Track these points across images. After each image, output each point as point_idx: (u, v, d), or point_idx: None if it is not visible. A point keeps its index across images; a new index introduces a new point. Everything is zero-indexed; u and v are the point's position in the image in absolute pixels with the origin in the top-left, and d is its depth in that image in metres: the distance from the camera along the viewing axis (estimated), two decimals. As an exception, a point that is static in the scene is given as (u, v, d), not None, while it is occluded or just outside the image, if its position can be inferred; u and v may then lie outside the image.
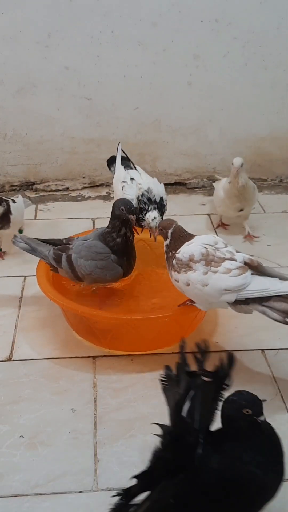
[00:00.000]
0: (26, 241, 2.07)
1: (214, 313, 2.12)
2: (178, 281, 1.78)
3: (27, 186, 3.06)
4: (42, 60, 2.83)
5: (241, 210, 2.59)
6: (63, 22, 2.77)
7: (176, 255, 1.77)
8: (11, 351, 1.94)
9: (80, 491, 1.50)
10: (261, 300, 1.65)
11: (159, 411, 1.71)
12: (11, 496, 1.49)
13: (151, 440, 1.61)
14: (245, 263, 1.71)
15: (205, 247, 1.74)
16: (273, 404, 1.75)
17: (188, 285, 1.74)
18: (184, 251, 1.76)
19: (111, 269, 1.92)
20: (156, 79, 2.91)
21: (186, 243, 1.78)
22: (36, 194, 3.03)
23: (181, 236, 1.80)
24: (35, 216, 2.84)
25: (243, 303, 1.69)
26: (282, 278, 1.68)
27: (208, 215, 2.84)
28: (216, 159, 3.08)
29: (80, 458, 1.58)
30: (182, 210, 2.86)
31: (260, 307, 1.64)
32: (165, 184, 3.06)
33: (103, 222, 2.64)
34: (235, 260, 1.71)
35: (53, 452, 1.60)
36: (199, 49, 2.87)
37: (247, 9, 2.81)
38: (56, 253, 1.99)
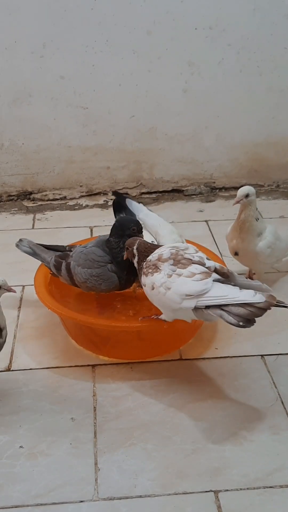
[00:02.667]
0: (30, 247, 2.11)
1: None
2: (145, 286, 1.76)
3: (24, 195, 3.07)
4: (38, 70, 2.84)
5: (236, 253, 2.22)
6: (58, 32, 2.78)
7: (146, 259, 1.77)
8: (10, 361, 1.94)
9: (81, 501, 1.49)
10: (221, 305, 1.61)
11: (160, 419, 1.72)
12: (12, 507, 1.49)
13: (152, 449, 1.63)
14: (215, 270, 1.69)
15: (175, 249, 1.73)
16: (273, 409, 1.75)
17: (153, 288, 1.71)
18: (154, 252, 1.76)
19: (106, 279, 1.92)
20: (151, 87, 2.92)
21: (156, 250, 1.78)
22: (33, 203, 3.04)
23: (147, 248, 1.79)
24: (33, 225, 2.84)
25: (203, 308, 1.65)
26: (244, 287, 1.64)
27: (206, 221, 2.84)
28: (213, 166, 3.09)
29: (81, 468, 1.58)
30: (180, 217, 2.86)
31: (219, 310, 1.59)
32: (162, 192, 3.11)
33: (101, 231, 2.66)
34: (203, 265, 1.69)
35: (53, 462, 1.60)
36: (193, 56, 2.87)
37: (241, 16, 2.82)
38: (57, 261, 2.00)
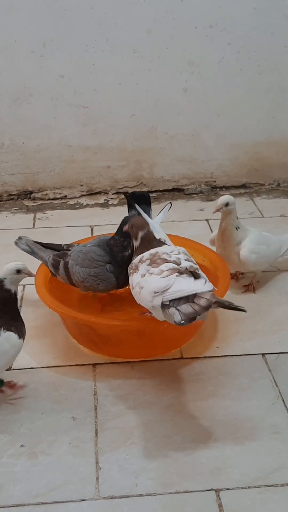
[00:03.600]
0: (29, 245, 2.10)
1: (214, 318, 2.12)
2: (129, 283, 1.80)
3: (25, 195, 3.07)
4: (38, 69, 2.84)
5: None
6: (58, 31, 2.78)
7: (133, 261, 1.79)
8: (11, 360, 1.93)
9: (82, 500, 1.49)
10: (178, 303, 1.60)
11: (160, 418, 1.72)
12: (12, 506, 1.48)
13: (153, 447, 1.62)
14: (188, 270, 1.67)
15: (156, 250, 1.73)
16: (274, 408, 1.74)
17: (133, 288, 1.75)
18: (139, 256, 1.76)
19: (104, 279, 1.91)
20: (151, 86, 2.92)
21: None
22: (34, 203, 3.04)
23: (150, 242, 1.78)
24: (34, 224, 2.84)
25: (167, 308, 1.63)
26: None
27: (207, 220, 2.84)
28: (213, 165, 3.09)
29: (81, 467, 1.57)
30: (180, 216, 2.86)
31: (174, 309, 1.59)
32: (163, 191, 3.11)
33: (102, 230, 2.66)
34: (178, 264, 1.68)
35: (54, 461, 1.59)
36: (194, 55, 2.87)
37: (241, 15, 2.82)
38: (55, 259, 1.99)
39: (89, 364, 1.92)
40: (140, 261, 1.74)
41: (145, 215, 2.02)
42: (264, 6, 2.82)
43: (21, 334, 1.70)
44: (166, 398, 1.79)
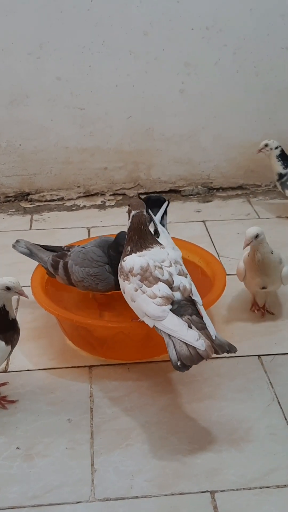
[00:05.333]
0: (28, 247, 2.10)
1: (211, 320, 2.11)
2: (120, 284, 1.80)
3: (21, 196, 3.07)
4: (34, 71, 2.84)
5: (264, 287, 2.09)
6: (54, 33, 2.78)
7: (122, 262, 1.78)
8: (7, 363, 1.93)
9: (77, 502, 1.49)
10: (168, 335, 1.62)
11: (156, 420, 1.72)
12: (8, 508, 1.49)
13: (149, 449, 1.63)
14: (179, 289, 1.69)
15: (147, 262, 1.72)
16: (270, 409, 1.75)
17: (124, 292, 1.76)
18: (128, 261, 1.75)
19: (103, 279, 1.92)
20: (148, 88, 2.92)
21: (137, 253, 1.76)
22: (31, 204, 3.04)
23: (140, 234, 1.76)
24: (30, 226, 2.84)
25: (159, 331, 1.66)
26: (191, 324, 1.63)
27: (203, 221, 2.84)
28: (210, 166, 3.09)
29: (77, 469, 1.58)
30: (177, 217, 2.86)
31: (167, 338, 1.62)
32: (159, 192, 3.11)
33: (98, 231, 2.66)
34: (171, 284, 1.69)
35: (50, 463, 1.60)
36: (190, 57, 2.88)
37: (237, 16, 2.82)
38: (55, 260, 2.00)
39: (85, 366, 1.92)
40: (130, 272, 1.73)
41: (155, 218, 1.96)
42: (260, 8, 2.83)
43: (9, 340, 1.69)
44: (162, 399, 1.79)
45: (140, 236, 1.77)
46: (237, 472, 1.56)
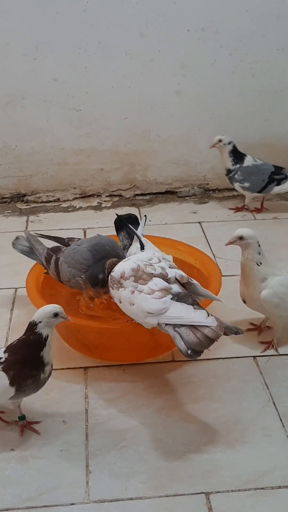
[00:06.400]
0: (27, 238, 2.09)
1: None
2: (113, 298, 1.79)
3: (18, 198, 3.06)
4: (30, 72, 2.84)
5: (244, 301, 1.97)
6: (50, 34, 2.78)
7: (111, 274, 1.78)
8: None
9: (72, 504, 1.49)
10: (175, 325, 1.60)
11: (152, 421, 1.72)
12: (3, 510, 1.48)
13: (144, 451, 1.62)
14: (176, 280, 1.70)
15: (137, 263, 1.72)
16: (265, 411, 1.75)
17: (120, 302, 1.74)
18: (117, 269, 1.76)
19: (90, 282, 1.89)
20: (144, 89, 2.92)
21: (122, 261, 1.78)
22: (27, 205, 3.03)
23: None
24: (26, 227, 2.84)
25: (163, 325, 1.64)
26: (197, 307, 1.63)
27: (199, 223, 2.84)
28: (206, 167, 3.09)
29: (72, 470, 1.57)
30: (173, 218, 2.86)
31: (173, 331, 1.59)
32: (156, 193, 3.12)
33: (94, 232, 2.63)
34: (166, 276, 1.69)
35: (44, 464, 1.59)
36: (186, 58, 2.88)
37: (233, 18, 2.82)
38: (48, 253, 1.99)
39: (80, 368, 1.92)
40: (122, 277, 1.73)
41: (136, 232, 1.95)
42: (256, 9, 2.83)
43: (16, 382, 1.56)
44: (157, 401, 1.79)
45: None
46: (232, 473, 1.56)
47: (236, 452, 1.62)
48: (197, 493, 1.51)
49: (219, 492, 1.51)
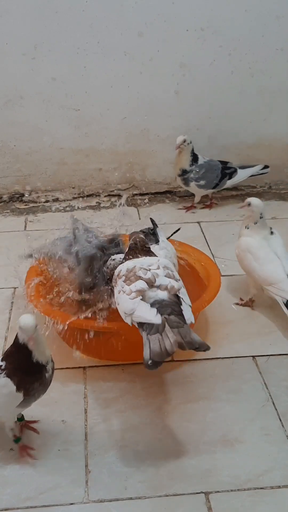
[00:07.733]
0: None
1: (205, 321, 2.12)
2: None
3: (16, 197, 3.06)
4: (29, 72, 2.84)
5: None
6: (49, 34, 2.78)
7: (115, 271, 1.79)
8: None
9: (71, 503, 1.49)
10: (149, 329, 1.55)
11: (151, 421, 1.72)
12: (2, 510, 1.48)
13: (143, 450, 1.62)
14: (166, 289, 1.64)
15: (134, 265, 1.71)
16: (264, 410, 1.75)
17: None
18: (118, 268, 1.76)
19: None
20: (143, 89, 2.92)
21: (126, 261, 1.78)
22: (25, 205, 3.03)
23: (135, 252, 1.78)
24: (25, 227, 2.84)
25: (141, 329, 1.60)
26: (163, 312, 1.59)
27: (198, 223, 2.84)
28: (205, 167, 3.09)
29: (71, 470, 1.57)
30: (172, 218, 2.86)
31: (145, 338, 1.55)
32: (155, 193, 3.11)
33: (93, 232, 2.65)
34: (152, 282, 1.64)
35: (43, 464, 1.59)
36: (185, 58, 2.88)
37: (232, 18, 2.82)
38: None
39: (80, 367, 1.92)
40: (118, 275, 1.73)
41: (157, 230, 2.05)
42: (255, 9, 2.82)
43: (22, 386, 1.52)
44: (156, 400, 1.79)
45: (135, 252, 1.77)
46: (232, 473, 1.56)
47: (235, 452, 1.62)
48: (196, 493, 1.51)
49: (218, 491, 1.51)
